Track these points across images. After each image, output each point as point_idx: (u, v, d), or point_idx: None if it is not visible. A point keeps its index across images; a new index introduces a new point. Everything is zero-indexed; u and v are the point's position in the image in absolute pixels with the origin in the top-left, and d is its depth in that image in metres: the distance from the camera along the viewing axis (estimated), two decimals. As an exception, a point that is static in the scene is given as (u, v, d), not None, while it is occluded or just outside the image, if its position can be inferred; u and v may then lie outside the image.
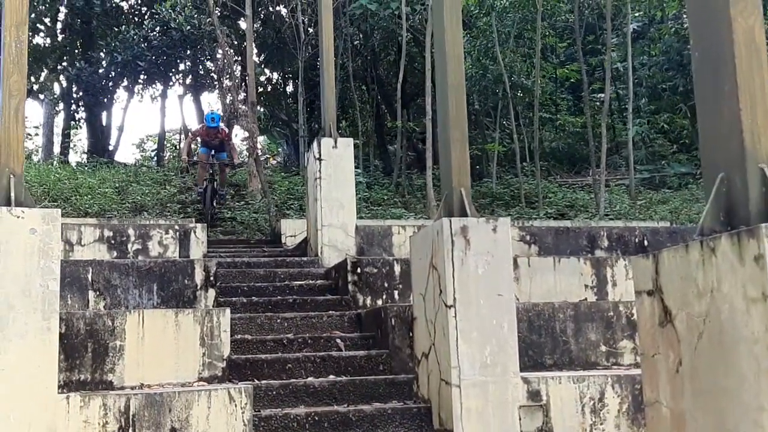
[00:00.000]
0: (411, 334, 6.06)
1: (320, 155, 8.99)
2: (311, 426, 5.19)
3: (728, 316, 2.65)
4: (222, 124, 13.88)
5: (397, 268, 7.49)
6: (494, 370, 5.08)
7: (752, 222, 2.75)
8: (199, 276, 7.09)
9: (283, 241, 11.61)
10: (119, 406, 4.46)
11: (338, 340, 6.51)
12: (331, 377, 5.89)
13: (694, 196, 17.08)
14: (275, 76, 28.96)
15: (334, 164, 8.98)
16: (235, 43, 21.82)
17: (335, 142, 9.03)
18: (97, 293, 6.91)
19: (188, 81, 24.44)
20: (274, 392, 5.56)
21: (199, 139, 13.86)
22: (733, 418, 2.62)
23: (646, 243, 9.64)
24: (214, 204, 13.57)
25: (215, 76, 25.27)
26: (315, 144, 9.19)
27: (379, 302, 7.36)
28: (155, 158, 28.75)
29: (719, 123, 2.95)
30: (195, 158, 13.71)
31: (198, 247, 8.76)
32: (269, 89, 27.88)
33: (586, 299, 7.42)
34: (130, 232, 8.52)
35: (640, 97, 22.90)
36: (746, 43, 2.88)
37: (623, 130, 20.75)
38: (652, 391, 3.06)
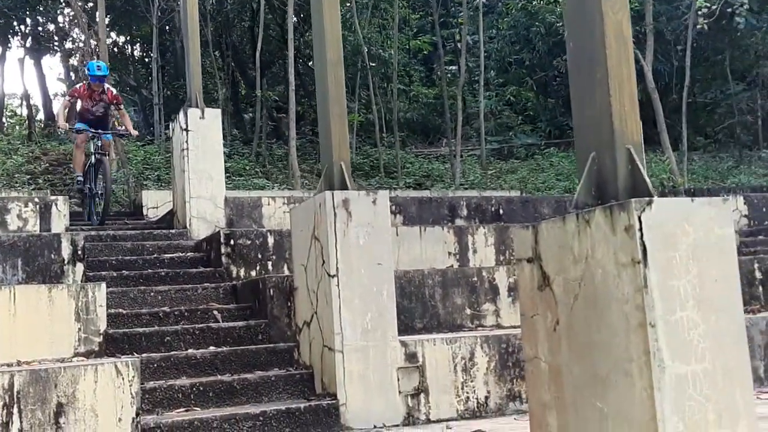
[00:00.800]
0: (290, 304, 6.22)
1: (187, 126, 8.91)
2: (196, 396, 5.27)
3: (601, 280, 3.01)
4: (108, 85, 10.23)
5: (270, 240, 7.61)
6: (375, 335, 5.35)
7: (621, 196, 3.11)
8: (66, 250, 6.92)
9: (144, 213, 11.40)
10: (3, 383, 4.36)
11: (215, 312, 6.58)
12: (212, 348, 5.97)
13: (539, 166, 18.10)
14: (122, 39, 27.88)
15: (202, 135, 8.93)
16: (80, 3, 20.83)
17: (202, 112, 8.97)
18: (-44, 270, 6.62)
19: (29, 44, 23.12)
20: (155, 365, 5.58)
21: (79, 105, 10.16)
22: (605, 368, 2.99)
23: (501, 211, 10.21)
24: (104, 210, 9.75)
25: (58, 39, 24.06)
26: (181, 114, 9.08)
27: (253, 273, 7.47)
28: (-8, 125, 27.05)
29: (591, 108, 3.29)
30: (78, 126, 9.95)
31: (60, 221, 8.47)
32: (116, 53, 26.83)
33: (452, 266, 7.84)
34: (-14, 205, 8.13)
35: (489, 70, 23.83)
36: (616, 36, 3.22)
37: (473, 102, 21.56)
38: (531, 348, 3.41)
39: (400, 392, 5.39)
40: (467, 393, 5.56)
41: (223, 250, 7.47)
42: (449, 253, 8.35)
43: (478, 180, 16.33)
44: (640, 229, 2.85)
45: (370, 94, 18.78)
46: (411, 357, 5.46)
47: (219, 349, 5.91)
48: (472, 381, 5.59)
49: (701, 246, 2.92)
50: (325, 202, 5.38)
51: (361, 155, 18.27)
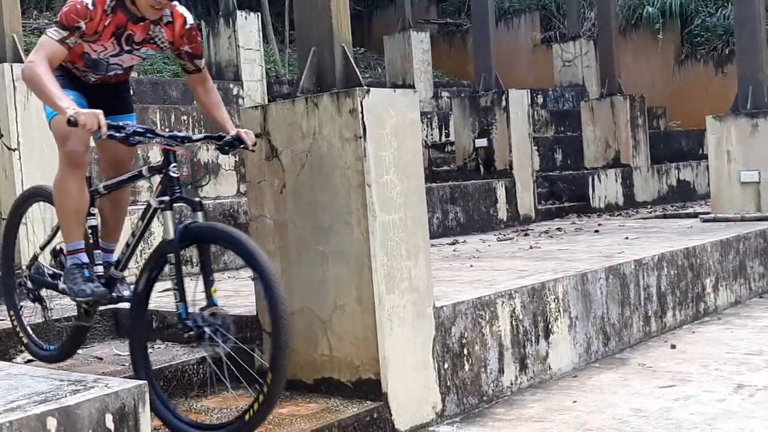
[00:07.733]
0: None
1: None
2: None
3: (327, 152, 3.77)
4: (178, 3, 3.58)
5: None
6: (59, 208, 5.49)
7: (338, 85, 3.88)
8: None
9: None
10: None
11: None
12: None
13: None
14: None
15: None
16: None
17: None
18: None
19: None
20: None
21: (86, 49, 3.57)
22: (327, 221, 3.79)
23: (132, 92, 10.31)
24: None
25: None
26: None
27: None
28: None
29: (313, 7, 3.96)
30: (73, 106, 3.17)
31: None
32: None
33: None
34: None
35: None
36: (336, -51, 3.91)
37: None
38: (257, 208, 4.06)
39: (84, 262, 5.64)
40: (146, 260, 6.01)
41: None
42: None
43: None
44: (362, 112, 3.66)
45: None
46: (94, 228, 5.72)
47: None
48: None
49: (400, 126, 3.84)
50: (3, 75, 5.29)
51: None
